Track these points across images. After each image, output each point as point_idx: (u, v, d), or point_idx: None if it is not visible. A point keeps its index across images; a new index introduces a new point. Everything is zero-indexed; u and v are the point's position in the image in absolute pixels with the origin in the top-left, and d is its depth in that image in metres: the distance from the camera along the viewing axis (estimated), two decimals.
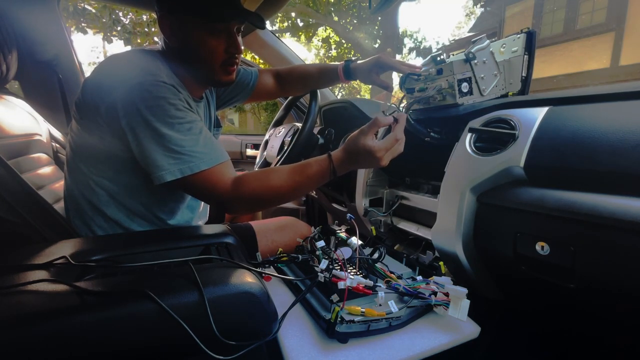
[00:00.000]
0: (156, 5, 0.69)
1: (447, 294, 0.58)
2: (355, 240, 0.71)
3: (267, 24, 1.52)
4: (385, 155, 0.64)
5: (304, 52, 10.55)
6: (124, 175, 0.69)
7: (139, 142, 0.61)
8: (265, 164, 1.37)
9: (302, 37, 8.45)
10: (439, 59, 0.76)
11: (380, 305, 0.56)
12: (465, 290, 0.56)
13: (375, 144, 0.63)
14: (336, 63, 0.98)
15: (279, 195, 0.67)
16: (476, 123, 0.67)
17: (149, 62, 0.66)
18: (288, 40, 8.67)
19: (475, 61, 0.73)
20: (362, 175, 0.98)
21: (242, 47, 0.74)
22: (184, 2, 0.66)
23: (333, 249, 0.69)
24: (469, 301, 0.55)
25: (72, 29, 4.94)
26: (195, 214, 0.87)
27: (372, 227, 0.94)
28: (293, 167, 0.68)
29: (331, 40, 9.30)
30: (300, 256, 0.65)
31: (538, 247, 0.52)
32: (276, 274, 0.61)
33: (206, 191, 0.65)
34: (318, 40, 9.50)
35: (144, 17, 5.77)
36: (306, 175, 0.67)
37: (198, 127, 0.65)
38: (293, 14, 7.86)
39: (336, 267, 0.61)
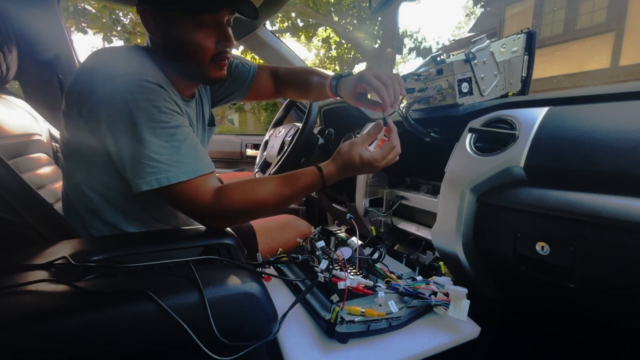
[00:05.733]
0: None
1: (447, 294, 0.58)
2: (355, 240, 0.71)
3: (267, 24, 1.52)
4: (382, 163, 0.66)
5: (304, 52, 10.55)
6: (118, 180, 0.65)
7: (118, 146, 0.58)
8: (265, 164, 1.37)
9: (302, 37, 8.44)
10: (439, 59, 0.76)
11: (380, 305, 0.56)
12: (465, 290, 0.56)
13: (374, 155, 0.64)
14: (330, 74, 0.88)
15: (263, 208, 0.63)
16: (476, 123, 0.67)
17: (133, 60, 0.62)
18: (288, 40, 8.66)
19: (476, 61, 0.73)
20: (362, 176, 0.98)
21: (234, 41, 0.69)
22: None
23: (333, 249, 0.69)
24: (469, 301, 0.55)
25: (72, 29, 4.93)
26: None
27: (372, 227, 0.94)
28: (280, 178, 0.64)
29: (331, 40, 9.29)
30: (300, 256, 0.65)
31: (538, 247, 0.52)
32: (276, 275, 0.61)
33: (185, 203, 0.60)
34: (318, 40, 9.49)
35: None
36: (294, 188, 0.64)
37: (183, 133, 0.60)
38: (293, 14, 7.85)
39: (336, 267, 0.61)
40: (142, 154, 0.56)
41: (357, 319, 0.54)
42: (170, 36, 0.64)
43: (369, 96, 0.76)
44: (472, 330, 0.57)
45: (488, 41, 0.75)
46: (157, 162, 0.57)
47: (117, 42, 5.70)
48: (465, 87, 0.73)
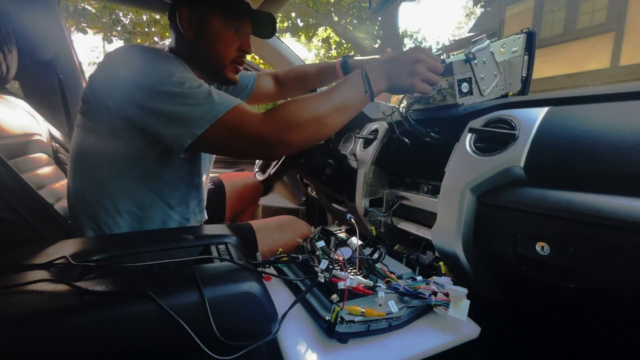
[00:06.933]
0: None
1: (447, 294, 0.58)
2: (355, 240, 0.71)
3: None
4: (425, 60, 0.68)
5: (304, 52, 10.55)
6: (135, 163, 0.70)
7: (158, 111, 0.62)
8: (266, 163, 1.37)
9: (302, 37, 8.45)
10: None
11: (380, 305, 0.56)
12: (465, 290, 0.56)
13: (425, 52, 0.70)
14: (334, 61, 0.99)
15: (319, 116, 0.65)
16: (476, 123, 0.67)
17: (150, 47, 0.69)
18: (288, 40, 8.66)
19: (476, 61, 0.73)
20: (362, 175, 0.98)
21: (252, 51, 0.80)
22: None
23: (333, 249, 0.69)
24: (469, 301, 0.55)
25: (72, 29, 4.94)
26: (202, 207, 0.88)
27: (372, 227, 0.94)
28: (327, 88, 0.69)
29: (331, 40, 9.30)
30: (300, 256, 0.65)
31: (538, 247, 0.52)
32: (276, 274, 0.61)
33: (238, 131, 0.63)
34: (318, 40, 9.50)
35: (144, 17, 5.77)
36: (341, 88, 0.67)
37: (207, 85, 0.65)
38: (293, 14, 7.85)
39: (336, 267, 0.61)
40: (183, 104, 0.61)
41: (357, 319, 0.54)
42: (201, 34, 0.72)
43: None
44: (472, 330, 0.57)
45: (488, 41, 0.75)
46: (198, 106, 0.61)
47: (117, 42, 5.70)
48: (465, 87, 0.73)
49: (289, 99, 0.67)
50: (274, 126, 0.63)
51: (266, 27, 0.80)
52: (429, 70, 0.68)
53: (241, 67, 0.79)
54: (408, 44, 9.97)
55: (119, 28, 5.64)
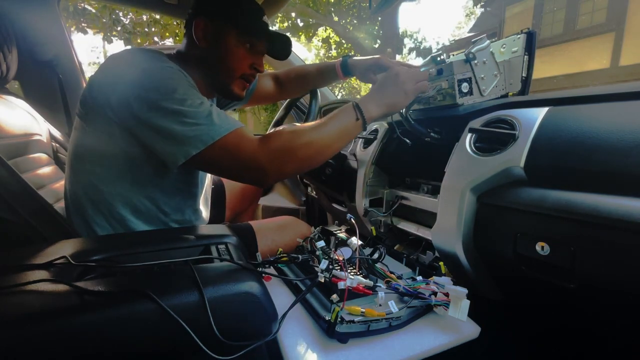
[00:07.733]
0: (194, 9, 0.72)
1: (447, 294, 0.58)
2: (355, 240, 0.71)
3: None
4: (405, 72, 0.71)
5: (304, 52, 10.56)
6: (132, 170, 0.69)
7: (155, 126, 0.61)
8: None
9: (302, 37, 8.45)
10: (439, 59, 0.76)
11: (380, 305, 0.56)
12: (465, 291, 0.56)
13: (408, 70, 0.72)
14: (334, 61, 0.98)
15: (312, 145, 0.66)
16: (476, 123, 0.67)
17: (155, 55, 0.68)
18: None
19: (476, 61, 0.73)
20: (362, 175, 0.98)
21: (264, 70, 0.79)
22: (231, 14, 0.70)
23: (333, 249, 0.69)
24: (469, 301, 0.55)
25: (72, 29, 4.94)
26: (199, 215, 0.87)
27: (372, 227, 0.94)
28: (320, 119, 0.70)
29: (331, 40, 9.29)
30: (300, 256, 0.65)
31: (538, 247, 0.52)
32: (276, 274, 0.61)
33: (233, 156, 0.63)
34: (318, 40, 9.49)
35: (144, 17, 5.77)
36: (334, 118, 0.68)
37: (208, 102, 0.65)
38: (293, 14, 7.85)
39: (336, 267, 0.61)
40: (181, 122, 0.60)
41: (357, 319, 0.54)
42: (214, 46, 0.72)
43: None
44: (472, 330, 0.57)
45: (488, 41, 0.75)
46: (196, 126, 0.61)
47: (117, 42, 5.72)
48: (465, 87, 0.73)
49: (283, 127, 0.67)
50: (270, 155, 0.64)
51: (281, 49, 0.80)
52: (412, 74, 0.72)
53: (249, 84, 0.78)
54: (408, 44, 9.95)
55: (119, 28, 5.65)
